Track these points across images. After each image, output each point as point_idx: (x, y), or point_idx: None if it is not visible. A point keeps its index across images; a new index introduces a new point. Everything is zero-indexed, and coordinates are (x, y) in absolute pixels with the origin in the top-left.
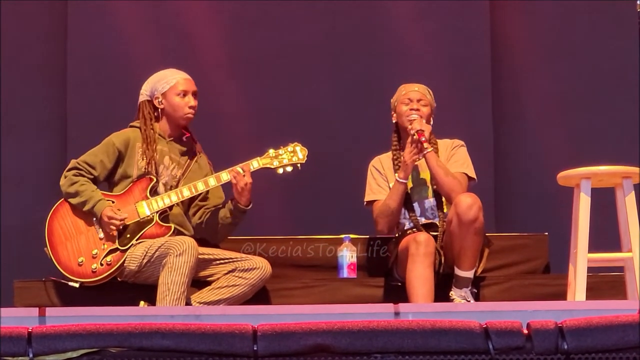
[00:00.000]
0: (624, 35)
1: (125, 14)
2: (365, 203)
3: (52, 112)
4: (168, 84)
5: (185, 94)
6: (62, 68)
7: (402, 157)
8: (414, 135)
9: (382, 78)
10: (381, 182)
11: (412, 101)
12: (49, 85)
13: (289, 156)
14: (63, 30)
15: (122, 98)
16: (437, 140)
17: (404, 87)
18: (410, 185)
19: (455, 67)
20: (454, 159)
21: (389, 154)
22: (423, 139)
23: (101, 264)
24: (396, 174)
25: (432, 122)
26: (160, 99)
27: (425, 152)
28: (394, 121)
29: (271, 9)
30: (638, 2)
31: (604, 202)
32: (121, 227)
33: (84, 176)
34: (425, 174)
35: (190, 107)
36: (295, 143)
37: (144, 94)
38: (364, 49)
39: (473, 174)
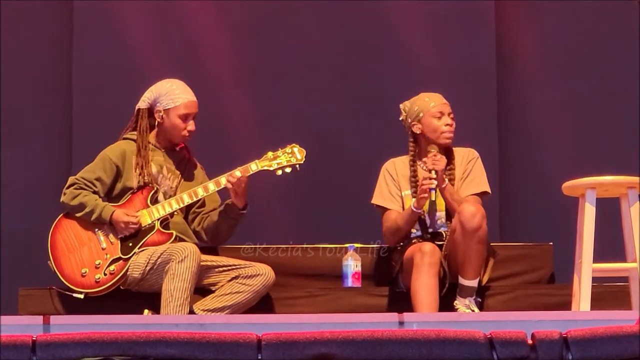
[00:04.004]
0: (630, 45)
1: (131, 21)
2: (373, 204)
3: (58, 121)
4: (173, 103)
5: (187, 117)
6: (68, 76)
7: (417, 186)
8: (432, 185)
9: (387, 86)
10: (393, 189)
11: (444, 114)
12: (55, 94)
13: (287, 157)
14: (68, 38)
15: (128, 106)
16: (453, 148)
17: (430, 98)
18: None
19: (460, 76)
20: (469, 179)
21: (404, 159)
22: (433, 186)
23: (104, 274)
24: (412, 200)
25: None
26: (161, 113)
27: (440, 187)
28: (417, 131)
29: (277, 16)
30: None
31: (609, 212)
32: (140, 227)
33: (84, 189)
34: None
35: (189, 132)
36: (293, 144)
37: (146, 101)
38: (369, 57)
39: (488, 188)
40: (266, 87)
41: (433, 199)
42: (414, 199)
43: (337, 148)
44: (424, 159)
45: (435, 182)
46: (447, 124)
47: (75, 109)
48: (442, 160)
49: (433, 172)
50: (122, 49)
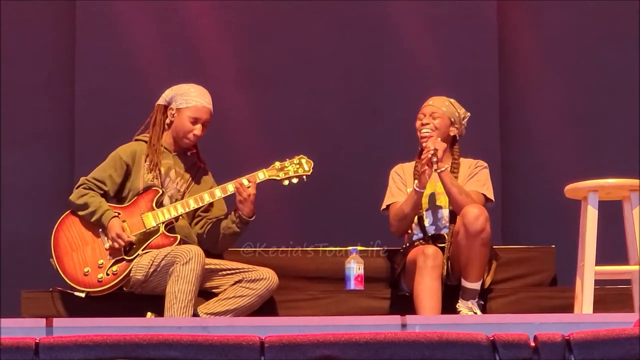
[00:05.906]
0: (632, 47)
1: (134, 25)
2: (382, 208)
3: (59, 124)
4: (186, 104)
5: (196, 121)
6: (70, 80)
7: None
8: (431, 156)
9: (390, 90)
10: (400, 185)
11: (425, 116)
12: (57, 97)
13: (294, 168)
14: (71, 42)
15: (130, 110)
16: (461, 158)
17: (426, 101)
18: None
19: (462, 79)
20: (475, 179)
21: (412, 163)
22: (434, 159)
23: (107, 274)
24: (415, 181)
25: (452, 134)
26: (173, 112)
27: (439, 170)
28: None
29: (280, 21)
30: None
31: (611, 214)
32: (126, 246)
33: (92, 190)
34: (441, 184)
35: (194, 135)
36: (301, 155)
37: (164, 98)
38: (372, 61)
39: (491, 196)
40: (268, 90)
41: (436, 169)
42: (416, 181)
43: (339, 150)
44: (423, 144)
45: (434, 155)
46: (423, 124)
47: (77, 111)
48: (442, 143)
49: (430, 142)
50: (124, 52)
